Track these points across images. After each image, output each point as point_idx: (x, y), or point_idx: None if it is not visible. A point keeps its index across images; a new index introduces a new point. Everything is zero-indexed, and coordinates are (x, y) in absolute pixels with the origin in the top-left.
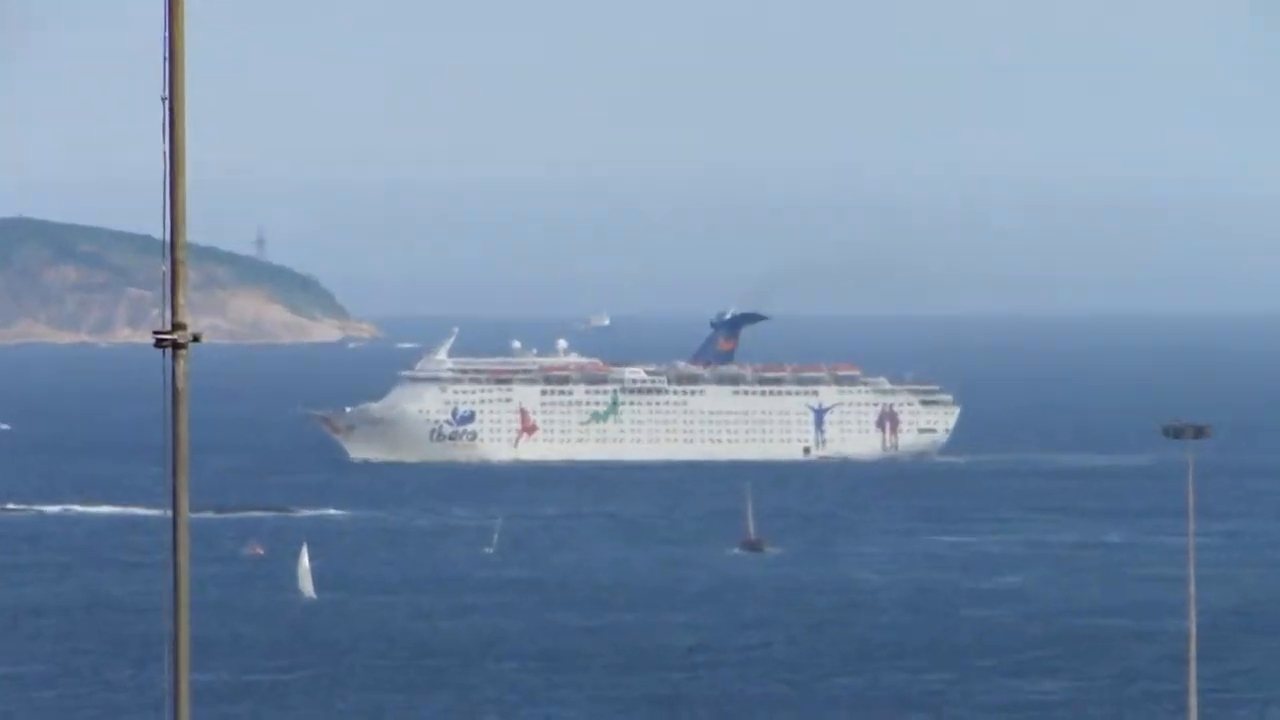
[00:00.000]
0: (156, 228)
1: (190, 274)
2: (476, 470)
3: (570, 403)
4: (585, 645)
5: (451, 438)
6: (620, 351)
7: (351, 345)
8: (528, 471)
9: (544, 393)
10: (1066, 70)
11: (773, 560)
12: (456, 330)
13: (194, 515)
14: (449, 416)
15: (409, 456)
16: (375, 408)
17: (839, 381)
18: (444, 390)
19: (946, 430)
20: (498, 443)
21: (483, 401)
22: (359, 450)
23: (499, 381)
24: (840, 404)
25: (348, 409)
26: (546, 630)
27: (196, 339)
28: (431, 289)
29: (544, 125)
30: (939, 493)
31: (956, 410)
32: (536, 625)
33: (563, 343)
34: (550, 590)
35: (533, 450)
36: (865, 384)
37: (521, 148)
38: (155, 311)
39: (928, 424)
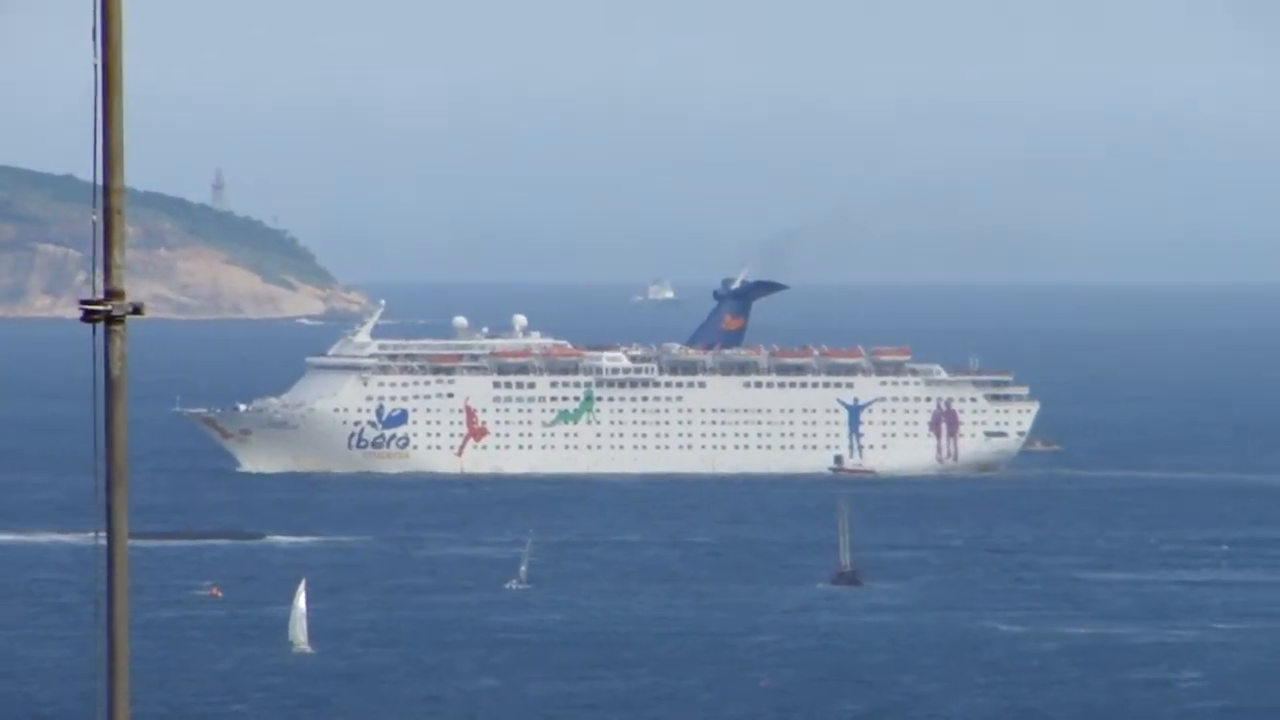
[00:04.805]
0: (83, 166)
1: (128, 228)
2: (419, 485)
3: (531, 398)
4: None
5: (376, 444)
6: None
7: (305, 321)
8: (478, 488)
9: (497, 385)
10: None
11: (882, 598)
12: (384, 302)
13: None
14: (373, 417)
15: (320, 468)
16: (276, 405)
17: (881, 370)
18: (366, 382)
19: (1021, 434)
20: (436, 450)
21: (417, 397)
22: (254, 460)
23: (438, 370)
24: (882, 399)
25: (241, 407)
26: (629, 702)
27: (137, 311)
28: (444, 247)
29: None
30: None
31: (1034, 407)
32: (614, 692)
33: (521, 319)
34: (613, 647)
35: (481, 460)
36: (915, 373)
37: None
38: (82, 276)
39: (996, 425)
